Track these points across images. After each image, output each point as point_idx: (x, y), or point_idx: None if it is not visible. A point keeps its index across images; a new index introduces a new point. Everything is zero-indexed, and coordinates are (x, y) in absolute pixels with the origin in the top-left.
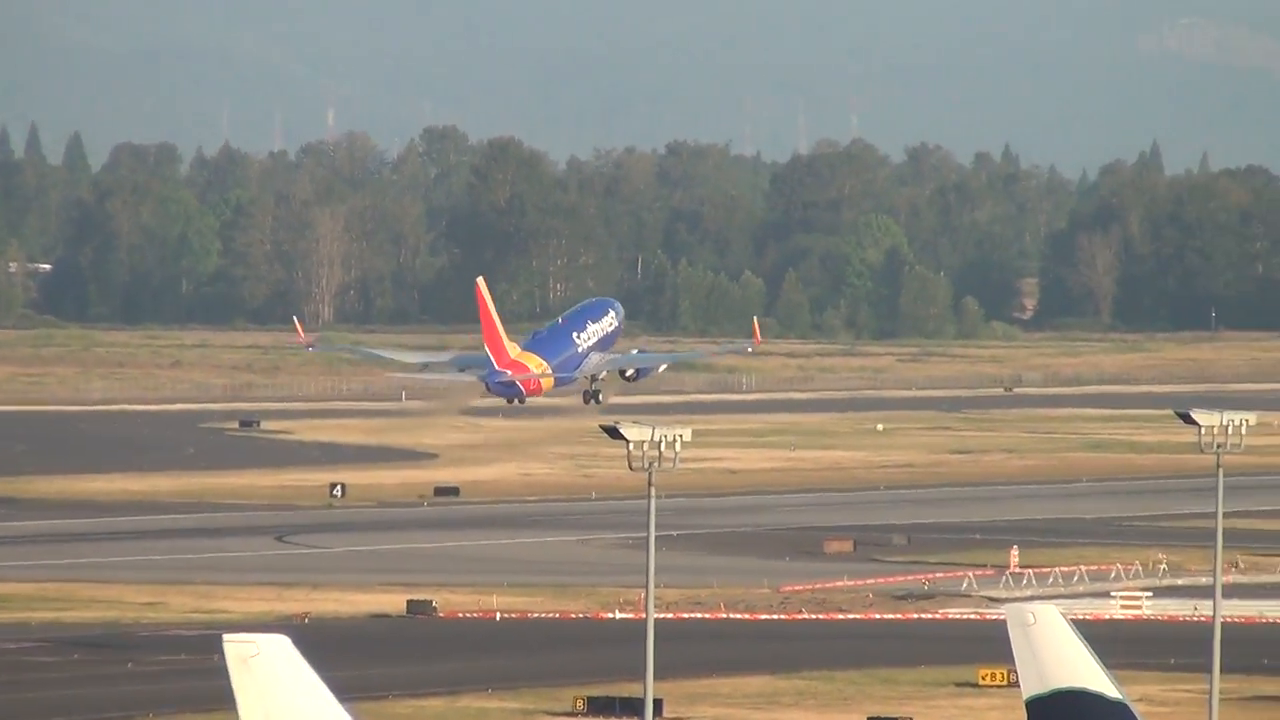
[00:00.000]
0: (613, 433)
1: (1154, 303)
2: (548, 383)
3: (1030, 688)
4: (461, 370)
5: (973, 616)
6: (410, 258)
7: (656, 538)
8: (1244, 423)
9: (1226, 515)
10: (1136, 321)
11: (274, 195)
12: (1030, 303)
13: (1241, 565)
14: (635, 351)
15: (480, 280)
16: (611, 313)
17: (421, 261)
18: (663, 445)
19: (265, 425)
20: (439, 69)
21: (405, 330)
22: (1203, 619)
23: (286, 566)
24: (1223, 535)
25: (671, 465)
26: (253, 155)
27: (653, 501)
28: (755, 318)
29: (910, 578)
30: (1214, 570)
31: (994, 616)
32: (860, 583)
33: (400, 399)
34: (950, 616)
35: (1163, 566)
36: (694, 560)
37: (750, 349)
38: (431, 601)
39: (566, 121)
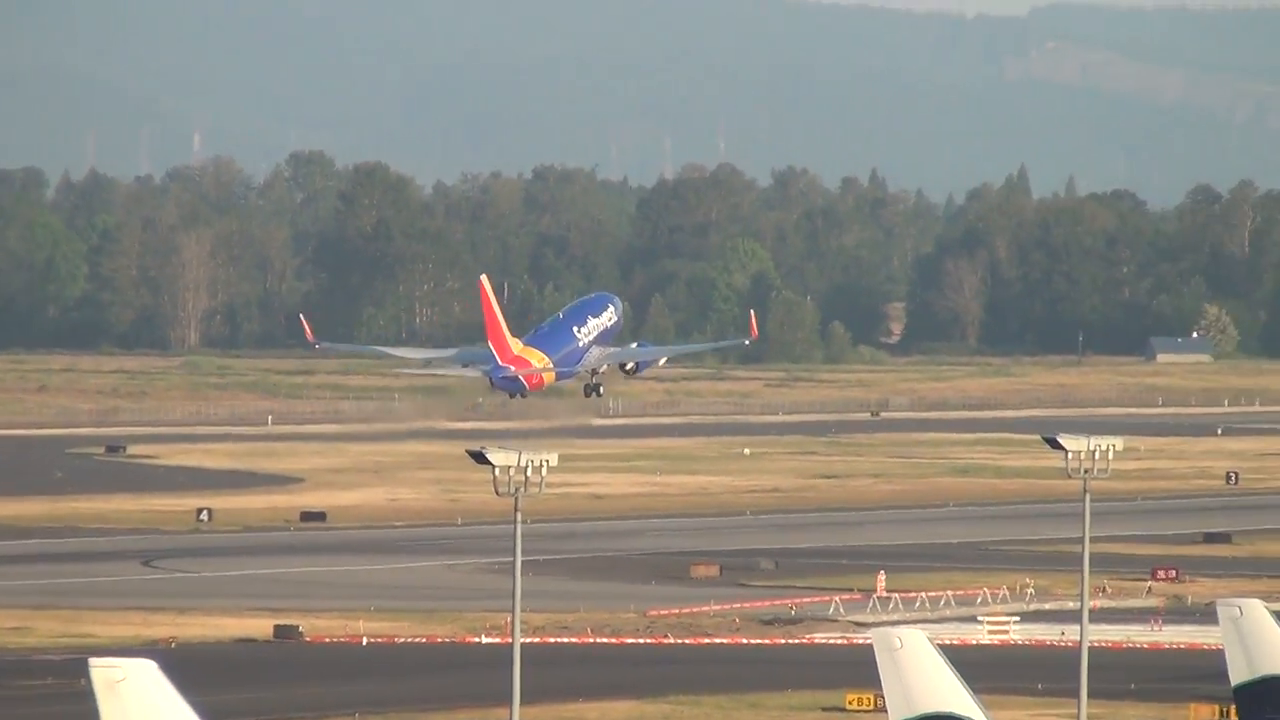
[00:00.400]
0: (479, 457)
1: (1020, 327)
2: (549, 377)
3: (897, 712)
4: (465, 366)
5: (840, 641)
6: (277, 282)
7: (523, 562)
8: (1110, 447)
9: (1093, 540)
10: (1003, 345)
11: (140, 220)
12: (897, 327)
13: (1109, 590)
14: (634, 345)
15: (484, 278)
16: (611, 307)
17: (288, 286)
18: (529, 470)
19: (132, 450)
20: (305, 94)
21: (272, 355)
22: (1070, 644)
23: (153, 591)
24: (1090, 560)
25: (538, 490)
26: (119, 180)
27: (519, 526)
28: (752, 311)
29: (777, 602)
30: (1081, 595)
31: (861, 641)
32: (727, 607)
33: (267, 423)
34: (817, 641)
35: (1030, 591)
36: (561, 585)
37: (747, 341)
38: (298, 626)
39: (433, 146)
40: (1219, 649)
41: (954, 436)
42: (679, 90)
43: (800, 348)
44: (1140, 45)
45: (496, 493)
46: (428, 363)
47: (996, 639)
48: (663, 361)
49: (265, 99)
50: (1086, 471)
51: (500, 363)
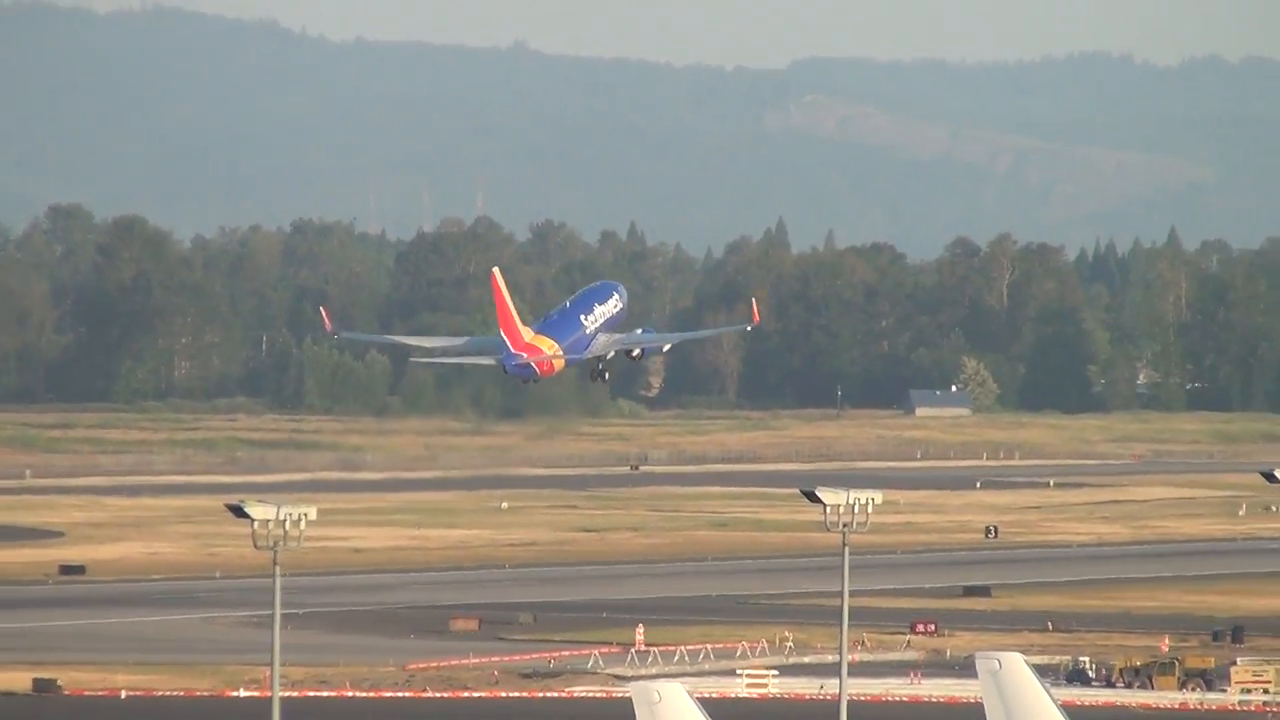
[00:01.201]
0: (238, 511)
1: (780, 380)
2: (559, 363)
3: None
4: (476, 353)
5: (599, 694)
6: (35, 336)
7: (282, 616)
8: (869, 501)
9: (852, 593)
10: (762, 399)
11: None
12: (657, 380)
13: (868, 643)
14: (639, 332)
15: (496, 270)
16: (616, 295)
17: (47, 340)
18: (287, 524)
19: None
20: (62, 148)
21: (32, 409)
22: (829, 697)
23: None
24: (849, 613)
25: (297, 543)
26: None
27: (278, 580)
28: (754, 298)
29: (536, 656)
30: (840, 648)
31: (620, 694)
32: (487, 660)
33: (24, 476)
34: (577, 695)
35: (789, 644)
36: (320, 638)
37: (749, 327)
38: (57, 680)
39: (192, 200)
40: (978, 702)
41: (713, 490)
42: (437, 143)
43: (559, 401)
44: (899, 98)
45: (256, 546)
46: (441, 351)
47: (755, 692)
48: (666, 348)
49: (23, 152)
50: (845, 525)
51: (513, 350)
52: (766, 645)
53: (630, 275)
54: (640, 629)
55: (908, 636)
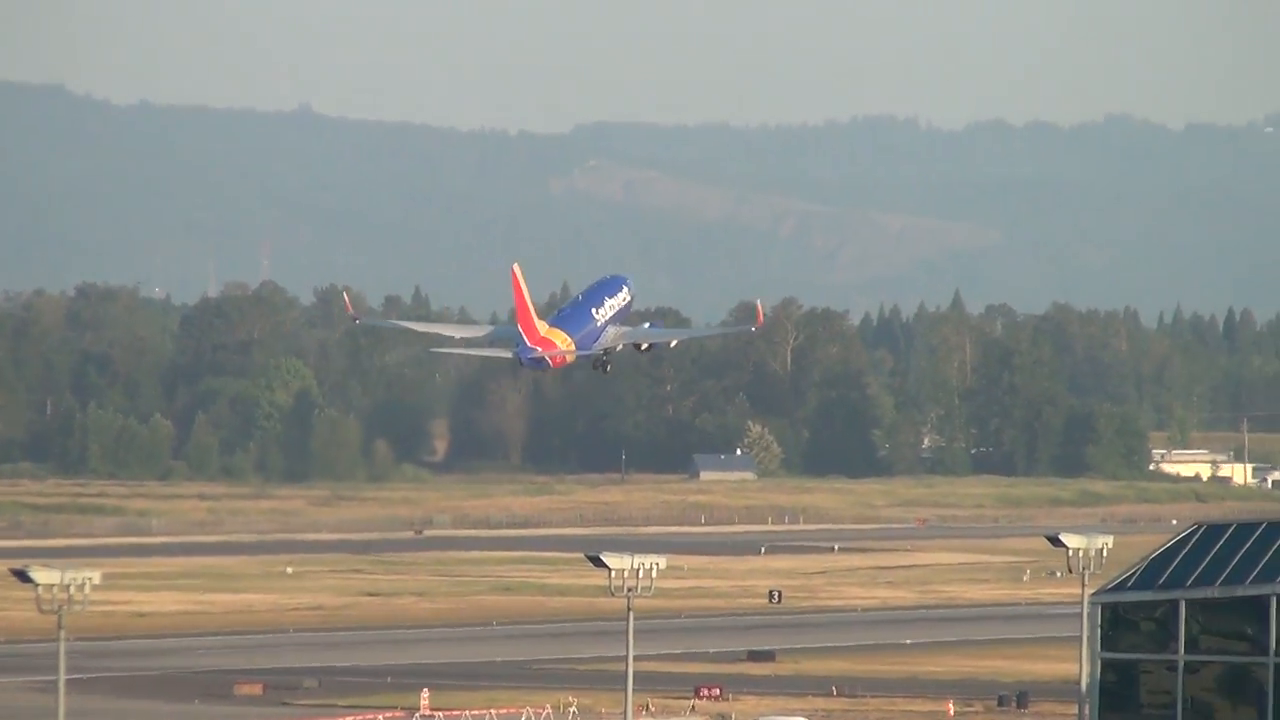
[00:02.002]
0: (22, 576)
1: (564, 444)
2: (570, 357)
3: None
4: (495, 343)
5: None
6: None
7: (67, 681)
8: (654, 566)
9: (637, 658)
10: (547, 463)
11: None
12: (441, 445)
13: (652, 708)
14: (647, 326)
15: (516, 266)
16: (625, 288)
17: None
18: (72, 588)
19: None
20: None
21: None
22: None
23: None
24: (633, 678)
25: (81, 607)
26: None
27: (63, 644)
28: (759, 301)
29: None
30: (625, 713)
31: None
32: None
33: None
34: None
35: (573, 710)
36: (105, 703)
37: (754, 328)
38: None
39: None
40: None
41: (498, 554)
42: (223, 207)
43: (344, 466)
44: (683, 163)
45: (40, 610)
46: (462, 340)
47: None
48: (673, 343)
49: None
50: (630, 589)
51: (529, 345)
52: (551, 710)
53: (415, 339)
54: (425, 694)
55: (692, 701)
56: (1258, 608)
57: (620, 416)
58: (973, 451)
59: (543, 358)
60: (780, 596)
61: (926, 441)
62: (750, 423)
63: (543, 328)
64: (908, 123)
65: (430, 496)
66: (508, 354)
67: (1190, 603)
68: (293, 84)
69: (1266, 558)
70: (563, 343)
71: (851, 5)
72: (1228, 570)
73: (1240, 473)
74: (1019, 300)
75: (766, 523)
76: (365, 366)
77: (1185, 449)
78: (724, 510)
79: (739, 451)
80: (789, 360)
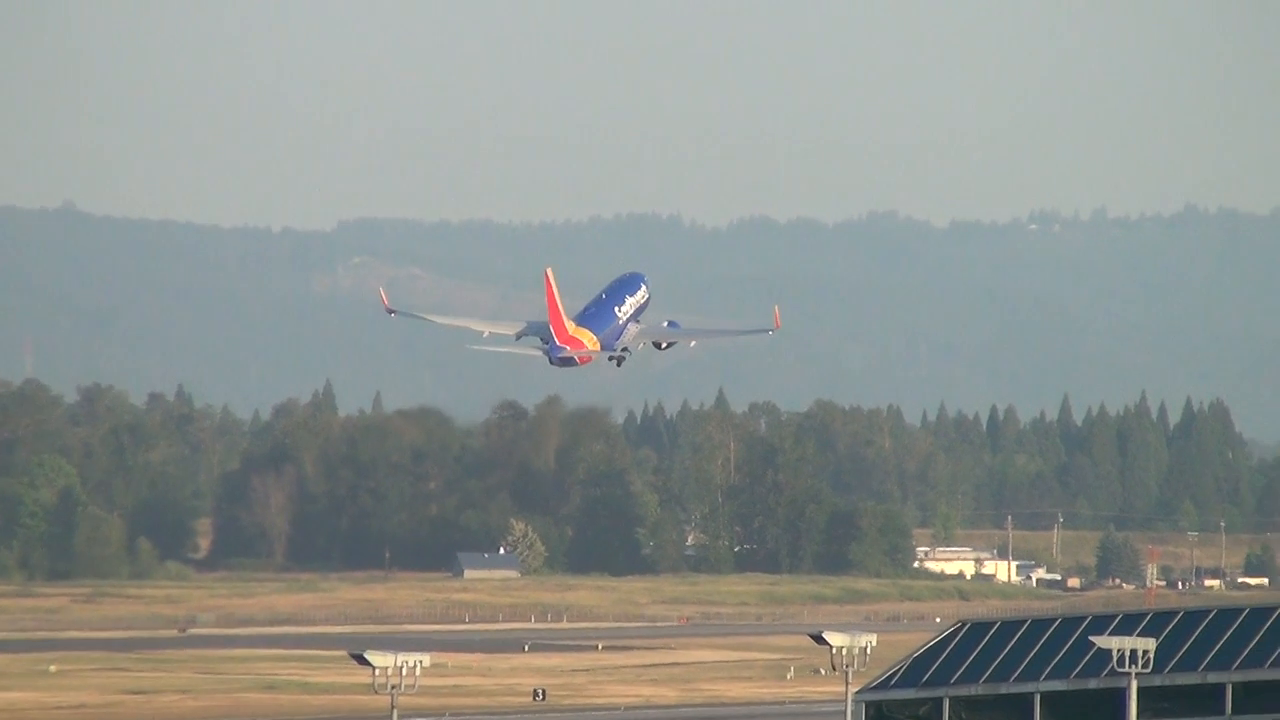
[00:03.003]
0: None
1: (328, 542)
2: (595, 355)
3: None
4: (521, 337)
5: None
6: None
7: None
8: (418, 664)
9: None
10: (311, 561)
11: None
12: (205, 543)
13: None
14: (665, 325)
15: (549, 271)
16: (643, 286)
17: None
18: None
19: None
20: None
21: None
22: None
23: None
24: None
25: None
26: None
27: None
28: (776, 307)
29: None
30: None
31: None
32: None
33: None
34: None
35: None
36: None
37: (770, 331)
38: None
39: None
40: None
41: (262, 652)
42: None
43: (107, 564)
44: (447, 261)
45: None
46: (490, 336)
47: None
48: (692, 344)
49: None
50: (394, 687)
51: (558, 343)
52: None
53: (178, 438)
54: None
55: None
56: (1021, 705)
57: (384, 514)
58: (736, 549)
59: (571, 356)
60: (544, 695)
61: (690, 539)
62: (514, 520)
63: (570, 327)
64: (671, 220)
65: (194, 594)
66: (538, 352)
67: (954, 700)
68: (55, 181)
69: (1030, 656)
70: (589, 342)
71: (614, 101)
72: (991, 668)
73: (1003, 570)
74: (783, 398)
75: (530, 620)
76: (129, 464)
77: (949, 546)
78: (488, 608)
79: (503, 549)
80: (553, 458)
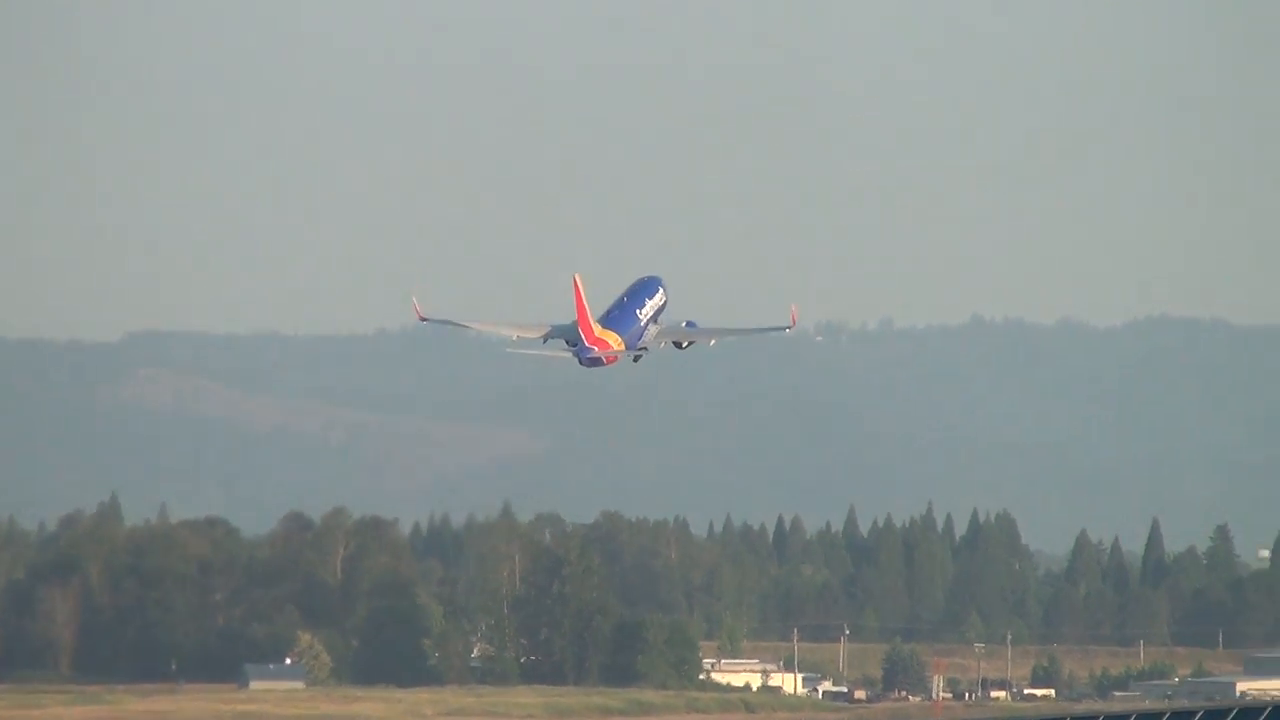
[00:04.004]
0: None
1: (114, 654)
2: (621, 355)
3: None
4: (548, 340)
5: None
6: None
7: None
8: None
9: None
10: (97, 673)
11: None
12: None
13: None
14: (683, 324)
15: (577, 276)
16: (661, 289)
17: None
18: None
19: None
20: None
21: None
22: None
23: None
24: None
25: None
26: None
27: None
28: (793, 305)
29: None
30: None
31: None
32: None
33: None
34: None
35: None
36: None
37: (787, 329)
38: None
39: None
40: None
41: None
42: None
43: None
44: (235, 372)
45: None
46: (518, 340)
47: None
48: (712, 342)
49: None
50: None
51: (587, 344)
52: None
53: None
54: None
55: None
56: None
57: (170, 625)
58: (522, 660)
59: (599, 356)
60: None
61: (476, 650)
62: (300, 631)
63: (597, 329)
64: (459, 331)
65: None
66: (567, 353)
67: None
68: None
69: None
70: (615, 343)
71: (399, 213)
72: None
73: (790, 682)
74: (569, 509)
75: None
76: None
77: (735, 658)
78: (273, 719)
79: (289, 660)
80: (339, 569)
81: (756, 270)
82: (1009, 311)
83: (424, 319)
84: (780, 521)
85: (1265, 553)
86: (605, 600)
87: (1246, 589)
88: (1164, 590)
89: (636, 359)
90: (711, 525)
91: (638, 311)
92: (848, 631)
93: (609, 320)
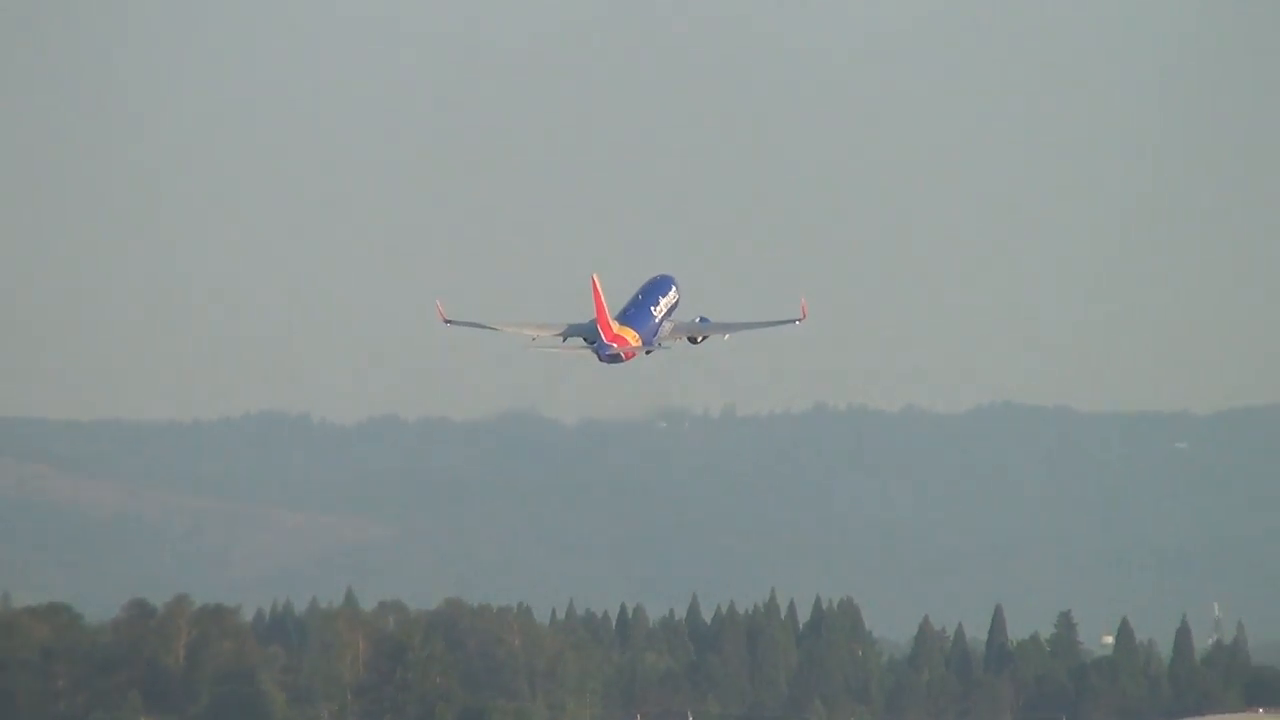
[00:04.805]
0: None
1: None
2: (638, 350)
3: None
4: (566, 337)
5: None
6: None
7: None
8: None
9: None
10: None
11: None
12: None
13: None
14: (696, 320)
15: (595, 276)
16: (674, 287)
17: None
18: None
19: None
20: None
21: None
22: None
23: None
24: None
25: None
26: None
27: None
28: (802, 296)
29: None
30: None
31: None
32: None
33: None
34: None
35: None
36: None
37: (798, 321)
38: None
39: None
40: None
41: None
42: None
43: None
44: (77, 458)
45: None
46: (534, 340)
47: None
48: (726, 337)
49: None
50: None
51: (606, 341)
52: None
53: None
54: None
55: None
56: None
57: (12, 712)
58: None
59: (618, 353)
60: None
61: None
62: (143, 718)
63: (615, 326)
64: (300, 418)
65: None
66: (588, 350)
67: None
68: None
69: None
70: (633, 339)
71: (240, 300)
72: None
73: None
74: (413, 596)
75: None
76: None
77: None
78: None
79: None
80: (182, 656)
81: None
82: (852, 399)
83: (448, 321)
84: (623, 608)
85: (1109, 639)
86: (449, 687)
87: (1090, 675)
88: (1007, 676)
89: (648, 352)
90: (555, 612)
91: (652, 309)
92: (691, 718)
93: (625, 318)
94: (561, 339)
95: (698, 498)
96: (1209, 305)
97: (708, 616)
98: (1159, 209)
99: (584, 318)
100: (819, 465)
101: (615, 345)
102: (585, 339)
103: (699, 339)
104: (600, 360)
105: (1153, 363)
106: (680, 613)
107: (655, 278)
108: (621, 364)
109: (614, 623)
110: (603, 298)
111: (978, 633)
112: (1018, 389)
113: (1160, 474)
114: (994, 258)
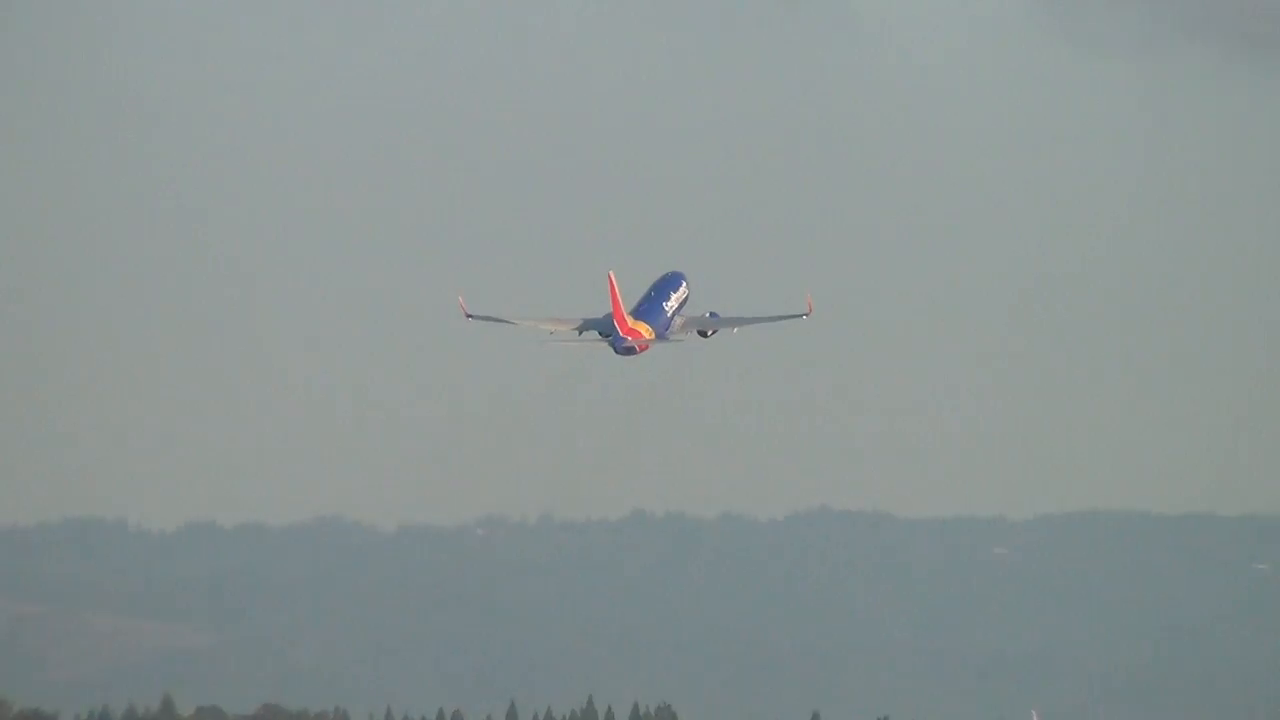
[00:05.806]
0: None
1: None
2: (652, 343)
3: None
4: (582, 331)
5: None
6: None
7: None
8: None
9: None
10: None
11: None
12: None
13: None
14: (707, 314)
15: (611, 273)
16: (684, 283)
17: None
18: None
19: None
20: None
21: None
22: None
23: None
24: None
25: None
26: None
27: None
28: (808, 291)
29: None
30: None
31: None
32: None
33: None
34: None
35: None
36: None
37: (805, 315)
38: None
39: None
40: None
41: None
42: None
43: None
44: None
45: None
46: (551, 334)
47: None
48: (735, 331)
49: None
50: None
51: (622, 335)
52: None
53: None
54: None
55: None
56: None
57: None
58: None
59: (633, 345)
60: None
61: None
62: None
63: (630, 320)
64: (117, 524)
65: None
66: (603, 344)
67: None
68: None
69: None
70: (647, 333)
71: (50, 409)
72: None
73: None
74: (230, 700)
75: None
76: None
77: None
78: None
79: None
80: None
81: (427, 467)
82: (670, 505)
83: (470, 316)
84: (441, 714)
85: None
86: None
87: None
88: None
89: (662, 342)
90: (372, 716)
91: (664, 304)
92: None
93: (639, 313)
94: (578, 333)
95: (517, 602)
96: (1024, 412)
97: None
98: (969, 320)
99: (598, 313)
100: (636, 570)
101: (631, 339)
102: (600, 333)
103: (709, 333)
104: (616, 353)
105: (969, 468)
106: (499, 717)
107: (666, 275)
108: (635, 355)
109: None
110: (618, 295)
111: None
112: (835, 495)
113: (978, 579)
114: (808, 367)
